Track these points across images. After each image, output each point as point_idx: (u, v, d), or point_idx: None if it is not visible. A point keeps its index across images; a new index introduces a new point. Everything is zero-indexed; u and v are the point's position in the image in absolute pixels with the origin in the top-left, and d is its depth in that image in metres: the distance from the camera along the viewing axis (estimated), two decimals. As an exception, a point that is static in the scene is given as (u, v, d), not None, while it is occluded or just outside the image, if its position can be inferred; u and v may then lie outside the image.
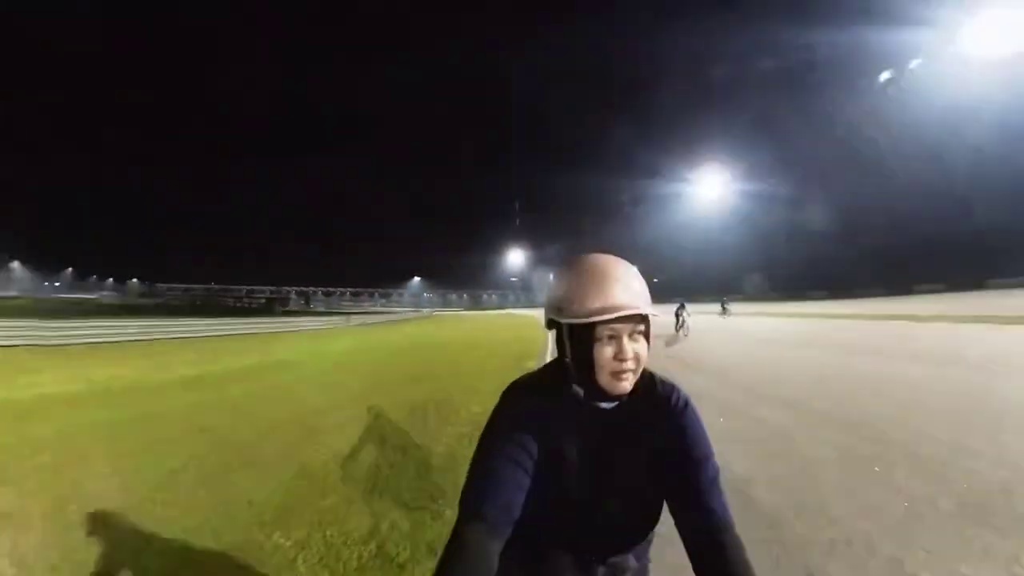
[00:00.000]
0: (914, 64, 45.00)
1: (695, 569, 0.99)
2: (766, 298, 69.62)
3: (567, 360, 1.08)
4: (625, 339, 1.02)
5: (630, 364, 1.02)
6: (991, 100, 37.68)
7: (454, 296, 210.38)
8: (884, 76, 50.19)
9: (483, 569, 0.90)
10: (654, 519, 1.15)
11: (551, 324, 1.10)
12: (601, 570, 1.13)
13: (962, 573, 2.51)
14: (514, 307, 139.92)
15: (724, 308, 32.84)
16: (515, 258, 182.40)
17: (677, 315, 19.03)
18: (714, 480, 1.07)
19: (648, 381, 1.15)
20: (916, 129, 47.48)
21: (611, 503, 1.10)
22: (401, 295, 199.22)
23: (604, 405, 1.10)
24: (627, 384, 1.04)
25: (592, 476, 1.09)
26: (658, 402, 1.14)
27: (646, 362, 1.08)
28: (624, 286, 1.02)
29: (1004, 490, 3.47)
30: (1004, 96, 37.19)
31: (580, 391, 1.09)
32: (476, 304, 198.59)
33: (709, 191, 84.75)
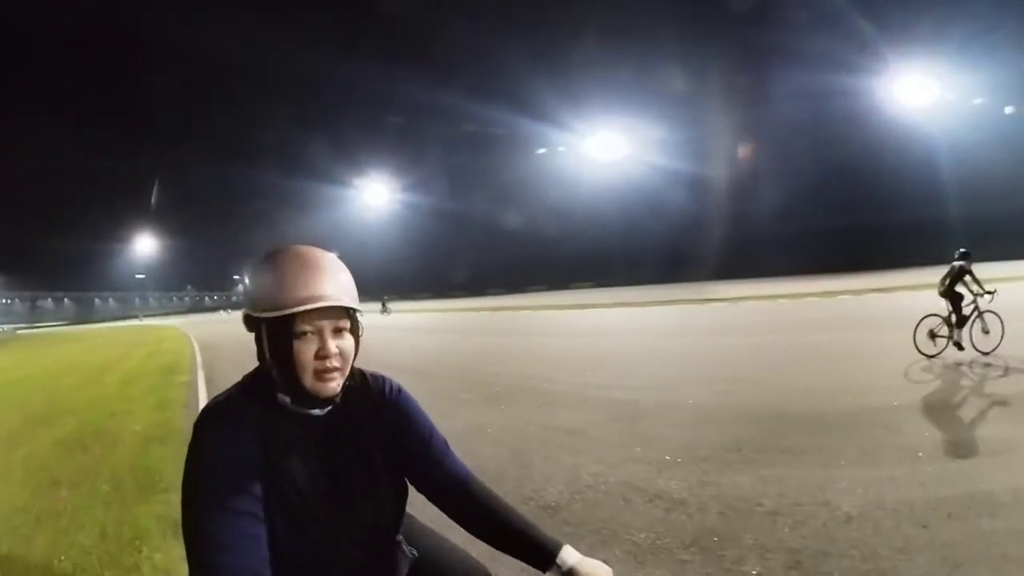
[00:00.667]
0: (560, 148, 68.60)
1: (466, 528, 1.06)
2: (421, 297, 78.17)
3: (267, 364, 0.99)
4: (328, 335, 0.96)
5: (334, 362, 0.96)
6: (596, 177, 65.18)
7: (49, 302, 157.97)
8: (541, 150, 72.84)
9: None
10: (404, 502, 1.14)
11: (249, 322, 1.01)
12: (380, 566, 1.08)
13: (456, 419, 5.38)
14: (137, 317, 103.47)
15: (385, 307, 35.73)
16: (145, 247, 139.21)
17: None
18: (446, 448, 1.13)
19: (360, 379, 1.12)
20: (556, 186, 72.31)
21: (359, 506, 1.04)
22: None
23: (316, 412, 1.02)
24: (334, 385, 0.97)
25: (329, 488, 1.01)
26: (373, 397, 1.12)
27: (353, 361, 1.04)
28: (331, 278, 0.97)
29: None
30: (603, 178, 64.64)
31: (287, 399, 0.99)
32: (86, 313, 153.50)
33: (375, 199, 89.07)
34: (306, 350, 0.93)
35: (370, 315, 32.39)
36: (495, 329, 15.71)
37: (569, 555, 0.98)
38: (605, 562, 1.01)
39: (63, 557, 3.09)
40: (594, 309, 22.17)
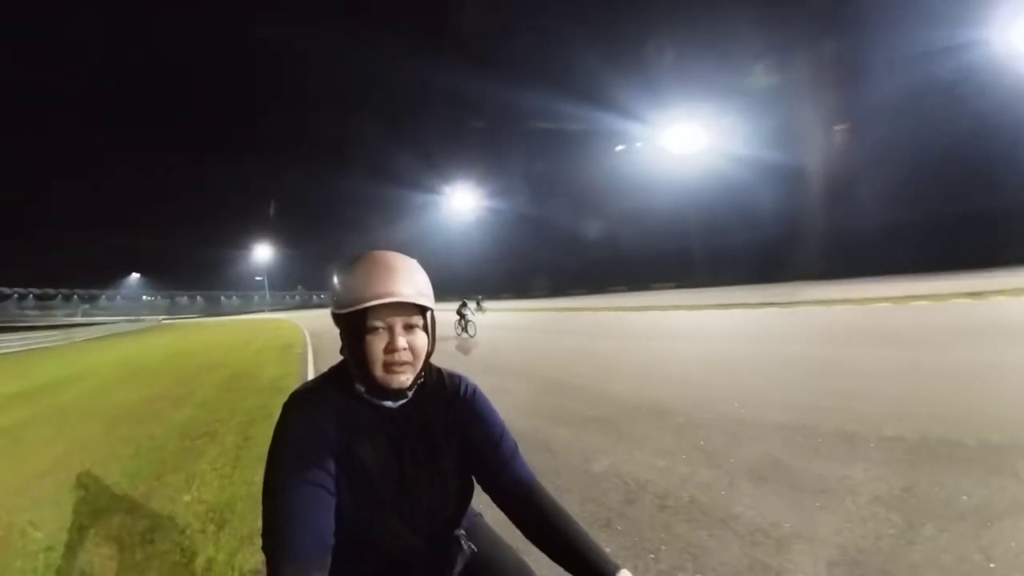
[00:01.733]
0: (638, 144, 65.26)
1: (525, 534, 1.04)
2: (503, 296, 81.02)
3: (347, 357, 1.06)
4: (398, 330, 1.00)
5: (403, 356, 1.00)
6: (675, 172, 60.63)
7: (185, 299, 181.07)
8: (619, 147, 69.43)
9: None
10: (467, 498, 1.17)
11: (334, 319, 1.06)
12: (437, 556, 1.11)
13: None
14: (262, 311, 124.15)
15: (480, 306, 38.71)
16: (263, 254, 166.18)
17: (460, 313, 17.07)
18: (514, 452, 1.12)
19: (436, 376, 1.16)
20: (635, 183, 67.85)
21: (422, 497, 1.08)
22: (113, 298, 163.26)
23: (390, 404, 1.07)
24: (403, 378, 1.01)
25: (396, 475, 1.06)
26: (447, 394, 1.14)
27: (425, 356, 1.06)
28: (404, 277, 1.01)
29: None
30: (683, 173, 59.94)
31: (362, 389, 1.05)
32: (213, 308, 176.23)
33: (461, 205, 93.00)
34: (376, 344, 0.99)
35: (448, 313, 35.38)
36: (540, 327, 17.15)
37: None
38: None
39: (232, 412, 6.13)
40: (653, 312, 21.32)
